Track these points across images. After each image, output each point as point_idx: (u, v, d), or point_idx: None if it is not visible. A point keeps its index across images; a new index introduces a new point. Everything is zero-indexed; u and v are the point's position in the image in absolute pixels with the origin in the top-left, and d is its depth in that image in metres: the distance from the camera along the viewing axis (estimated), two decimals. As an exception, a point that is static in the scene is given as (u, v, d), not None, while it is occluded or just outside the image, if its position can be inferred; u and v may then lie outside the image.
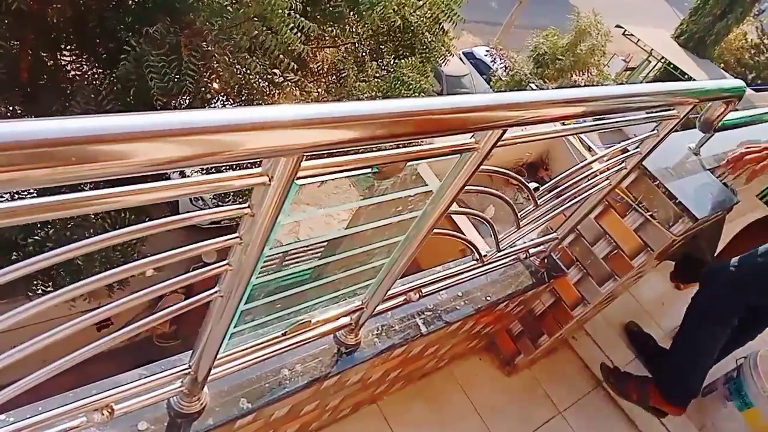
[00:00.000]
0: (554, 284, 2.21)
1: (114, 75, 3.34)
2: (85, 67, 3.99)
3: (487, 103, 0.97)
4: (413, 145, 0.98)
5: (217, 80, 3.80)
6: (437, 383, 2.27)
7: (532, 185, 1.53)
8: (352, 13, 4.67)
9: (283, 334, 1.27)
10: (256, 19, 3.37)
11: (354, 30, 4.88)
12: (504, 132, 1.06)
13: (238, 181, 0.77)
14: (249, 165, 0.82)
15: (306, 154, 0.76)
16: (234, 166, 0.76)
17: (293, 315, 1.25)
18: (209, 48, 3.36)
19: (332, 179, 0.88)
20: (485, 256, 1.69)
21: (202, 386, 1.20)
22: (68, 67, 4.01)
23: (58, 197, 0.60)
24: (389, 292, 1.46)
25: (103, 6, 3.58)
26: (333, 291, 1.28)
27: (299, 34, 3.48)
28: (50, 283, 3.71)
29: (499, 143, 1.08)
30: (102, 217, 3.62)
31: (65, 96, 3.71)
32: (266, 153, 0.70)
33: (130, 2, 3.65)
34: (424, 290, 1.61)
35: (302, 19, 3.49)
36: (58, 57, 3.97)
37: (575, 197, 1.75)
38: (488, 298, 1.91)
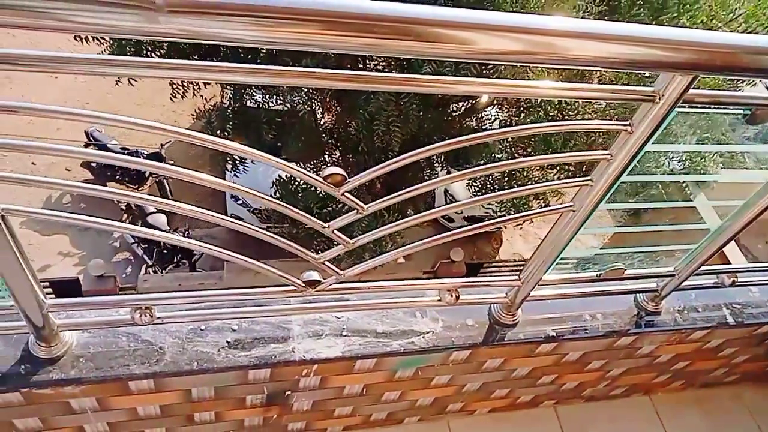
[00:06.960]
0: None
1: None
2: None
3: None
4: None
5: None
6: (720, 399, 2.10)
7: None
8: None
9: (598, 275, 1.37)
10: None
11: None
12: None
13: (627, 95, 0.92)
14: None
15: (700, 75, 0.86)
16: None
17: (611, 259, 1.35)
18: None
19: (712, 112, 0.96)
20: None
21: (520, 304, 1.38)
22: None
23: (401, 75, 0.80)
24: (703, 268, 1.45)
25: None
26: (652, 243, 1.34)
27: None
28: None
29: None
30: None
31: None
32: (655, 65, 0.81)
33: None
34: (739, 277, 1.55)
35: None
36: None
37: None
38: (810, 311, 1.72)
